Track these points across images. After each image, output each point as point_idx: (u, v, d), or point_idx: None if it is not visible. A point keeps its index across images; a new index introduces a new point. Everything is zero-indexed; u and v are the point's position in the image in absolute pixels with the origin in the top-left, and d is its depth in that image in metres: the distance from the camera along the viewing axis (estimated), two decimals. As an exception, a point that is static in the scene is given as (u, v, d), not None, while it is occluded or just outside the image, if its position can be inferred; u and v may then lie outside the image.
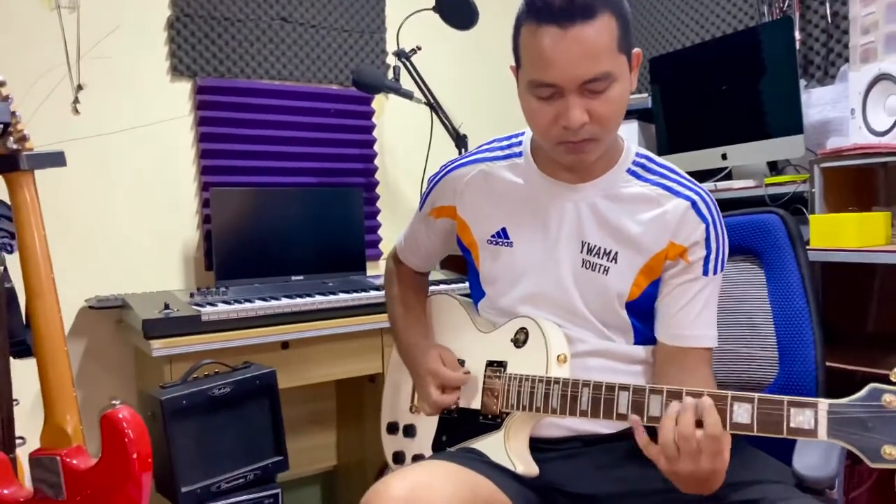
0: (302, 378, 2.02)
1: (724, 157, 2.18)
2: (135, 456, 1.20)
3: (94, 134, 2.15)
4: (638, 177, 1.18)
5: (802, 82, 2.06)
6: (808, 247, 1.33)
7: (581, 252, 1.18)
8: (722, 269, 1.18)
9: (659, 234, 1.15)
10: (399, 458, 1.35)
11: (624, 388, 1.03)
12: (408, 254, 1.44)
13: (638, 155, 1.20)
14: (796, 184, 1.90)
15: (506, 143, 1.28)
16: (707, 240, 1.15)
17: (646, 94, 2.44)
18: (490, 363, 1.23)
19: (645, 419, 1.00)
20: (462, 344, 1.31)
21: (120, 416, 1.22)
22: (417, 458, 1.31)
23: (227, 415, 1.74)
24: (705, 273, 1.15)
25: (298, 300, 1.99)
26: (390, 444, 1.39)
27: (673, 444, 0.94)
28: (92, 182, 2.16)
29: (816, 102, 2.09)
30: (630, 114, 2.40)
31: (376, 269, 2.54)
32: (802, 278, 1.31)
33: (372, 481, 1.05)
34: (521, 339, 1.20)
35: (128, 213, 2.22)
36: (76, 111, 2.13)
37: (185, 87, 2.32)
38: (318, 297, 2.02)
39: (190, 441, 1.67)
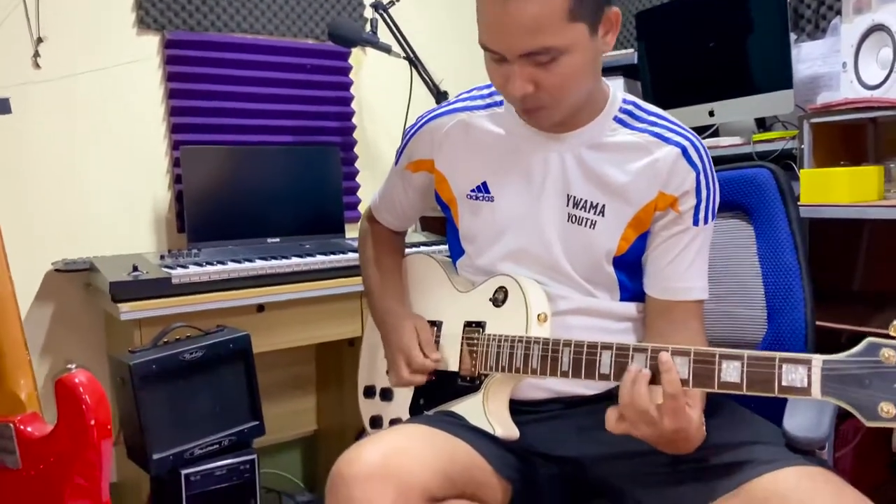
0: (278, 342, 1.97)
1: (711, 113, 2.13)
2: (92, 423, 1.14)
3: (57, 89, 2.06)
4: (625, 124, 1.13)
5: (792, 36, 2.00)
6: (798, 202, 1.29)
7: (567, 206, 1.13)
8: (713, 219, 1.13)
9: (649, 183, 1.10)
10: (376, 422, 1.31)
11: (606, 346, 0.98)
12: (384, 212, 1.38)
13: (625, 101, 1.15)
14: (785, 140, 1.86)
15: (486, 91, 1.21)
16: (697, 188, 1.10)
17: (631, 50, 2.37)
18: (468, 324, 1.18)
19: None
20: (439, 304, 1.26)
21: (76, 380, 1.16)
22: (395, 421, 1.27)
23: (199, 380, 1.69)
24: (695, 223, 1.11)
25: (273, 262, 1.93)
26: (367, 408, 1.35)
27: (632, 415, 0.92)
28: (56, 141, 2.07)
29: (806, 57, 2.04)
30: (615, 70, 2.33)
31: (355, 231, 2.46)
32: (793, 234, 1.27)
33: (351, 443, 1.01)
34: (500, 298, 1.15)
35: (95, 172, 2.13)
36: (37, 65, 2.03)
37: (152, 41, 2.21)
38: (295, 259, 1.96)
39: (161, 407, 1.62)
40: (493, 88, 1.20)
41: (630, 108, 1.14)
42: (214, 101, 2.28)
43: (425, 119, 1.24)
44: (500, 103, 1.18)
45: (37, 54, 2.03)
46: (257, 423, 1.76)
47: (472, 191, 1.19)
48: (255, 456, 1.71)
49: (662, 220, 1.11)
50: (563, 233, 1.13)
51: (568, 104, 1.06)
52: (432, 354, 1.19)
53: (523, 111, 1.07)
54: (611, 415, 0.95)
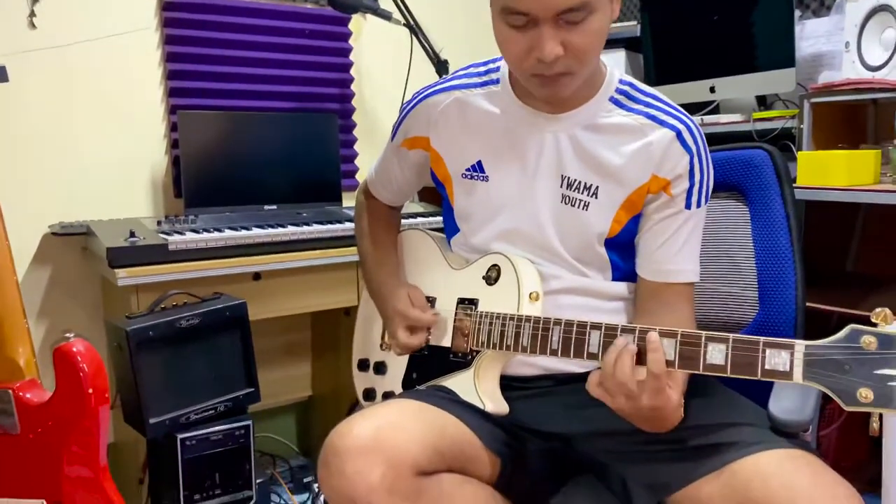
0: (274, 310, 1.98)
1: (712, 90, 2.12)
2: (90, 391, 1.15)
3: (53, 51, 2.03)
4: (621, 105, 1.12)
5: (797, 13, 1.98)
6: (794, 185, 1.30)
7: (561, 187, 1.13)
8: (706, 202, 1.13)
9: (642, 166, 1.10)
10: (370, 394, 1.33)
11: (595, 326, 1.00)
12: (379, 187, 1.38)
13: (621, 82, 1.14)
14: (785, 119, 1.85)
15: (483, 69, 1.20)
16: (691, 172, 1.10)
17: (634, 22, 2.34)
18: (461, 301, 1.19)
19: None
20: (433, 281, 1.27)
21: (74, 349, 1.17)
22: (388, 395, 1.29)
23: (196, 346, 1.70)
24: (688, 206, 1.11)
25: (270, 230, 1.93)
26: (361, 381, 1.37)
27: (611, 385, 0.94)
28: (53, 103, 2.06)
29: (809, 35, 2.03)
30: (618, 42, 2.31)
31: (352, 200, 2.46)
32: (787, 217, 1.28)
33: (345, 414, 1.02)
34: (493, 276, 1.16)
35: (92, 135, 2.12)
36: (32, 25, 2.01)
37: (150, 3, 2.18)
38: (291, 228, 1.96)
39: (158, 372, 1.63)
40: (489, 66, 1.19)
41: (626, 88, 1.13)
42: (212, 65, 2.26)
43: (421, 96, 1.23)
44: (497, 81, 1.18)
45: (32, 14, 2.00)
46: (252, 389, 1.78)
47: (467, 170, 1.19)
48: (250, 422, 1.74)
49: (655, 202, 1.12)
50: (556, 213, 1.13)
51: (586, 72, 1.05)
52: (426, 313, 1.21)
53: (546, 80, 1.03)
54: (592, 378, 0.97)
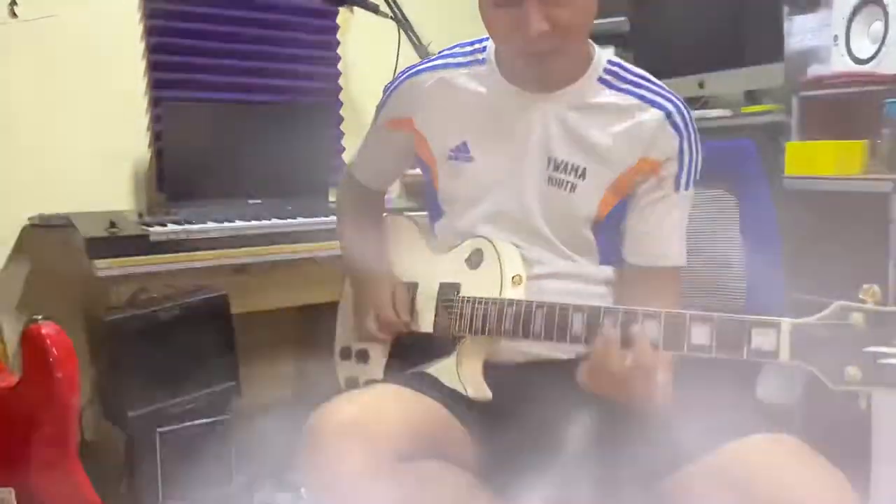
0: (258, 304, 1.96)
1: (701, 85, 2.11)
2: (60, 376, 1.11)
3: (34, 41, 2.01)
4: (610, 86, 1.10)
5: (786, 9, 1.98)
6: (783, 175, 1.29)
7: (547, 168, 1.11)
8: (694, 184, 1.11)
9: (631, 147, 1.08)
10: (352, 383, 1.31)
11: (578, 309, 0.97)
12: (363, 171, 1.36)
13: (610, 62, 1.12)
14: (773, 113, 1.85)
15: (469, 48, 1.18)
16: (680, 154, 1.08)
17: (623, 17, 2.34)
18: (443, 285, 1.17)
19: None
20: (416, 265, 1.24)
21: (43, 332, 1.13)
22: (370, 383, 1.26)
23: (176, 339, 1.68)
24: (677, 189, 1.09)
25: (254, 223, 1.91)
26: (343, 369, 1.35)
27: (602, 376, 0.92)
28: (34, 94, 2.03)
29: (798, 30, 2.03)
30: (607, 38, 2.30)
31: (339, 195, 2.45)
32: (775, 207, 1.27)
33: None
34: (475, 260, 1.14)
35: (74, 127, 2.09)
36: (13, 14, 1.98)
37: (134, -7, 2.17)
38: (275, 221, 1.94)
39: (138, 365, 1.62)
40: (475, 46, 1.18)
41: (615, 69, 1.12)
42: (197, 56, 2.24)
43: (405, 75, 1.21)
44: (483, 61, 1.16)
45: (13, 3, 1.97)
46: (234, 383, 1.76)
47: (452, 151, 1.16)
48: (231, 416, 1.71)
49: (643, 185, 1.10)
50: (542, 196, 1.11)
51: (575, 49, 1.05)
52: (403, 316, 1.19)
53: (535, 55, 1.02)
54: (582, 370, 0.95)
